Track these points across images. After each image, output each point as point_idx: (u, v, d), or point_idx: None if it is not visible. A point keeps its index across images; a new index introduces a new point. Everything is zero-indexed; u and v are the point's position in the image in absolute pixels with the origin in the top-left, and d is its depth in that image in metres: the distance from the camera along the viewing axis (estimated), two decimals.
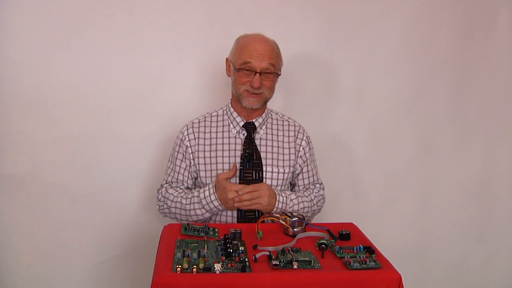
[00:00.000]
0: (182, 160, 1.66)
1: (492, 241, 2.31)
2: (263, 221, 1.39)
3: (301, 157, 1.70)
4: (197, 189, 1.60)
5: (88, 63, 1.86)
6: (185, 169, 1.66)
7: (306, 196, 1.64)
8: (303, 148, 1.70)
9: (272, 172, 1.63)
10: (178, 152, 1.67)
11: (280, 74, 1.63)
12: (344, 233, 1.34)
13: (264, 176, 1.61)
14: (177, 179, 1.67)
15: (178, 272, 1.08)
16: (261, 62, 1.55)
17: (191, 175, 1.67)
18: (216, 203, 1.53)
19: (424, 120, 2.18)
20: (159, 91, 1.95)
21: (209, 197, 1.53)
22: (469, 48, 2.16)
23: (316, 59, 2.06)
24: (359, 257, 1.19)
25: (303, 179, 1.71)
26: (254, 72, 1.55)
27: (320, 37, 2.04)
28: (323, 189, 1.75)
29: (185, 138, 1.66)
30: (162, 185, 1.70)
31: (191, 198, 1.57)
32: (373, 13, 2.06)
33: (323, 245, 1.24)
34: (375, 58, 2.09)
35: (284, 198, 1.56)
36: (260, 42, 1.57)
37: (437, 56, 2.14)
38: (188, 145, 1.65)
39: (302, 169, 1.70)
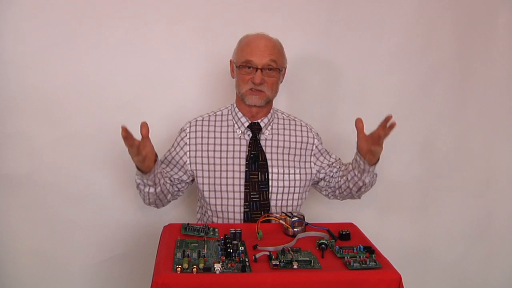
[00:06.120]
0: (170, 152, 1.66)
1: (492, 241, 2.31)
2: (264, 221, 1.39)
3: (314, 155, 1.70)
4: None
5: (89, 63, 1.86)
6: (169, 161, 1.66)
7: None
8: (316, 147, 1.71)
9: (278, 173, 1.62)
10: (173, 146, 1.67)
11: (281, 70, 1.62)
12: (344, 233, 1.34)
13: (270, 177, 1.61)
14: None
15: (178, 272, 1.08)
16: (262, 58, 1.55)
17: (176, 169, 1.65)
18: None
19: (425, 120, 2.18)
20: (159, 91, 1.94)
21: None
22: (469, 48, 2.16)
23: (316, 59, 2.06)
24: (359, 257, 1.19)
25: (323, 162, 1.72)
26: (255, 69, 1.55)
27: (320, 37, 2.04)
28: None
29: (186, 135, 1.65)
30: None
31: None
32: (374, 13, 2.06)
33: (323, 245, 1.24)
34: (376, 58, 2.09)
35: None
36: (261, 39, 1.58)
37: (437, 56, 2.14)
38: (187, 143, 1.64)
39: (319, 162, 1.71)
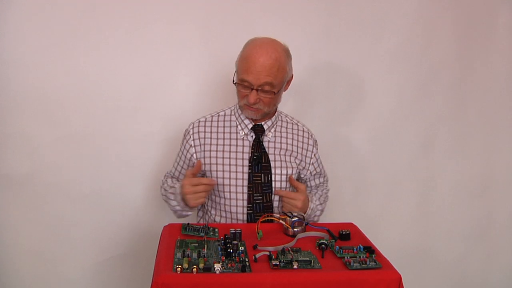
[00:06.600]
0: (180, 157, 1.67)
1: (492, 241, 2.31)
2: (264, 221, 1.38)
3: (313, 164, 1.70)
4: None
5: (89, 63, 1.86)
6: (182, 166, 1.67)
7: (322, 203, 1.69)
8: (314, 155, 1.71)
9: (281, 174, 1.61)
10: (181, 150, 1.67)
11: (276, 93, 1.54)
12: (344, 233, 1.34)
13: (273, 179, 1.60)
14: (173, 173, 1.70)
15: (178, 272, 1.08)
16: (257, 79, 1.48)
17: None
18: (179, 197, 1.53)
19: (425, 120, 2.18)
20: (160, 91, 1.94)
21: (179, 189, 1.52)
22: (469, 48, 2.16)
23: (316, 59, 2.06)
24: (359, 257, 1.19)
25: (314, 179, 1.74)
26: (250, 88, 1.51)
27: (320, 37, 2.04)
28: (327, 181, 1.80)
29: (190, 137, 1.64)
30: (166, 174, 1.74)
31: (172, 188, 1.59)
32: (374, 13, 2.06)
33: (323, 245, 1.24)
34: (376, 58, 2.10)
35: (313, 206, 1.61)
36: (260, 56, 1.47)
37: (437, 56, 2.14)
38: (192, 145, 1.63)
39: (315, 172, 1.72)
